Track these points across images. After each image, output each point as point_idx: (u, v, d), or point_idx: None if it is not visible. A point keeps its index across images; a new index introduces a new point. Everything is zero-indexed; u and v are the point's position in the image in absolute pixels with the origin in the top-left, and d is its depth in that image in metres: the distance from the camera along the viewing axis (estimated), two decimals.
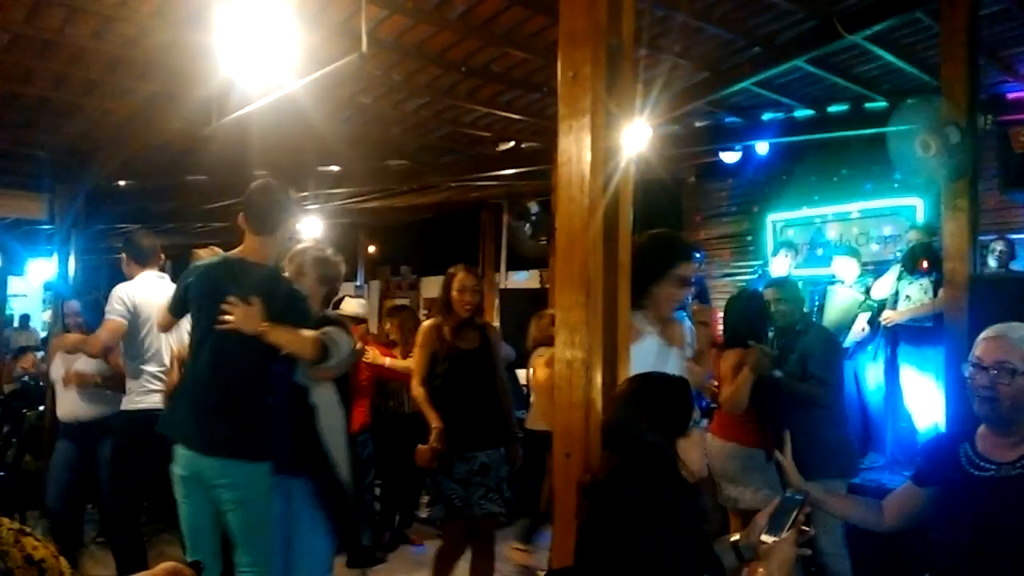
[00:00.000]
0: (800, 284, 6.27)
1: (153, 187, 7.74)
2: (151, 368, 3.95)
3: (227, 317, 2.72)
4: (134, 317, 3.91)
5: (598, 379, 2.28)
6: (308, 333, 2.79)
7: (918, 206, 6.76)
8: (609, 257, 2.34)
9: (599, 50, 2.32)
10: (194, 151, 6.15)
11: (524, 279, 9.87)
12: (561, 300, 2.37)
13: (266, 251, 2.90)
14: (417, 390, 3.70)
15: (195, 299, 2.89)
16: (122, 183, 7.55)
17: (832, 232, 7.45)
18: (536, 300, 7.93)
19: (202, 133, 4.90)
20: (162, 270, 4.26)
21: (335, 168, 7.20)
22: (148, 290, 4.00)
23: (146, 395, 3.91)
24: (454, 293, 3.73)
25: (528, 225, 6.94)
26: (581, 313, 2.30)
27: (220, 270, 2.89)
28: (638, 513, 1.76)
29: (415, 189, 8.24)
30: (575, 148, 2.33)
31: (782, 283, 4.47)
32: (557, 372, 2.35)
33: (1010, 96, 5.41)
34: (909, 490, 2.31)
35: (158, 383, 3.91)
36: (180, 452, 2.81)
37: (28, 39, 4.33)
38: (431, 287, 10.67)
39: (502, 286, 9.31)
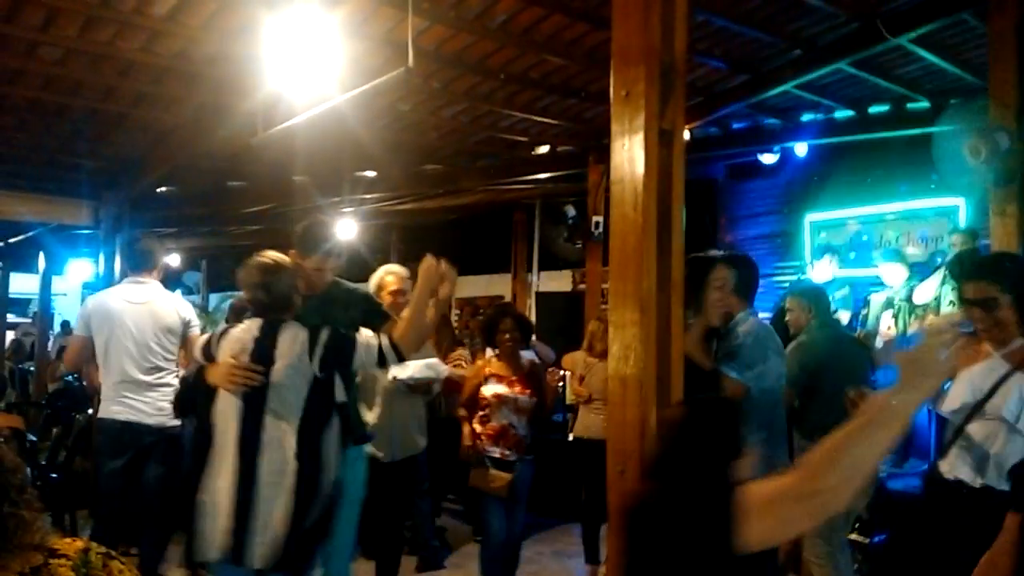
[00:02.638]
0: (838, 289, 6.27)
1: (194, 192, 7.88)
2: (111, 379, 3.88)
3: None
4: (89, 331, 3.90)
5: (652, 397, 2.30)
6: None
7: (960, 207, 6.66)
8: (663, 275, 2.36)
9: (652, 68, 2.34)
10: (238, 159, 6.25)
11: (555, 280, 9.88)
12: (615, 318, 2.39)
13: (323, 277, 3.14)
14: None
15: None
16: (165, 189, 7.69)
17: (872, 234, 7.36)
18: (572, 302, 7.94)
19: (247, 144, 4.97)
20: (180, 273, 4.37)
21: (371, 173, 7.27)
22: (111, 300, 3.96)
23: (109, 405, 3.89)
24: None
25: (564, 228, 6.95)
26: (635, 331, 2.32)
27: None
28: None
29: (449, 192, 8.28)
30: (628, 167, 2.36)
31: (796, 292, 4.55)
32: (611, 389, 2.37)
33: None
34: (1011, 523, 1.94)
35: (120, 394, 3.86)
36: None
37: (79, 53, 4.44)
38: (464, 288, 10.73)
39: (537, 289, 9.32)
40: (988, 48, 4.22)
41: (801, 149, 6.94)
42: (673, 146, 2.41)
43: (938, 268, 5.65)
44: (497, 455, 3.93)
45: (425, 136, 6.17)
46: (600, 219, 6.53)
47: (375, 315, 3.10)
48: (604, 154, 6.41)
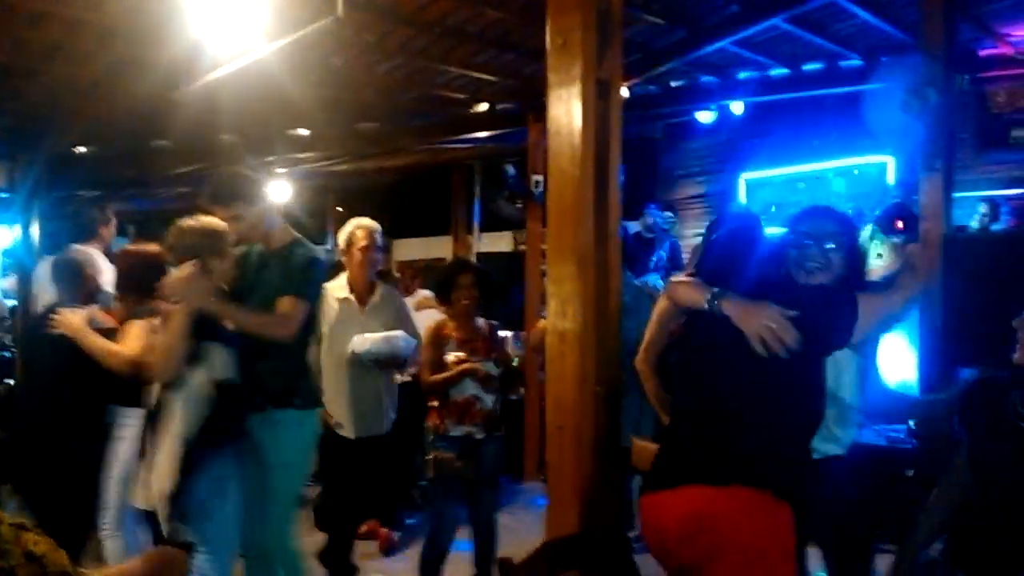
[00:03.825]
0: None
1: (116, 153, 7.51)
2: None
3: None
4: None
5: (591, 351, 2.28)
6: None
7: (888, 164, 6.82)
8: (600, 228, 2.32)
9: (589, 15, 2.28)
10: (159, 116, 5.95)
11: (496, 241, 9.81)
12: (553, 272, 2.35)
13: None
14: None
15: None
16: (84, 149, 7.31)
17: (805, 191, 7.50)
18: (513, 263, 7.90)
19: (168, 98, 4.73)
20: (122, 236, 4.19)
21: (304, 132, 7.03)
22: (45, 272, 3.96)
23: None
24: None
25: (504, 188, 6.86)
26: (573, 285, 2.29)
27: None
28: None
29: (386, 152, 8.09)
30: (566, 118, 2.31)
31: None
32: (549, 344, 2.34)
33: (982, 54, 5.44)
34: None
35: None
36: None
37: None
38: (403, 250, 10.58)
39: (478, 250, 9.24)
40: (919, 4, 4.27)
41: (737, 108, 6.98)
42: (610, 97, 2.37)
43: (867, 223, 5.78)
44: (461, 434, 3.43)
45: (359, 93, 5.97)
46: (540, 178, 6.46)
47: (304, 284, 2.86)
48: (543, 112, 6.34)
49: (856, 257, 2.16)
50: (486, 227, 9.37)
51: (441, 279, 3.67)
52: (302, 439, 3.03)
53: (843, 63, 6.05)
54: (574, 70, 2.29)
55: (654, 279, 6.31)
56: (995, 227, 5.35)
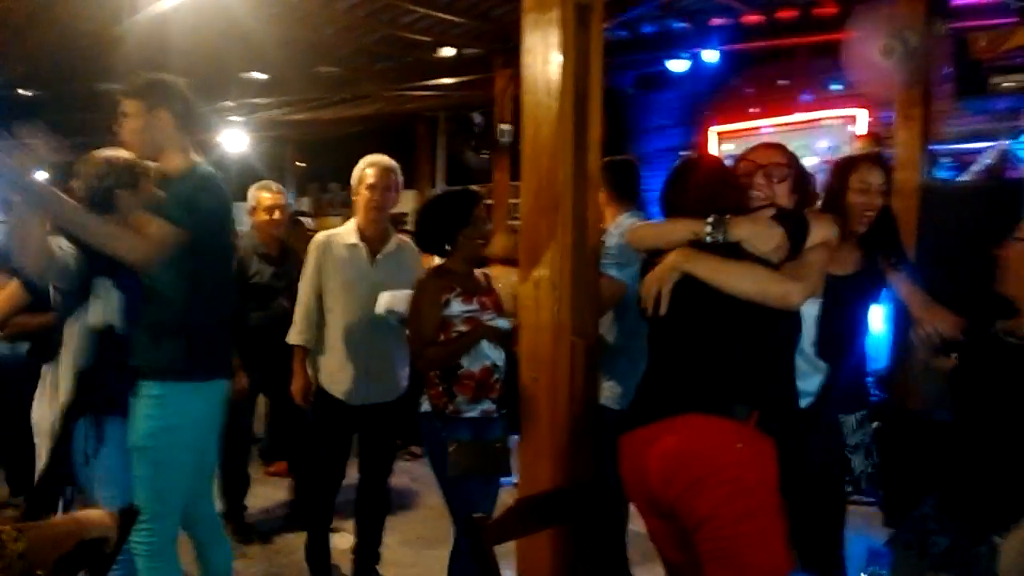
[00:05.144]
0: None
1: (62, 96, 7.09)
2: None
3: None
4: None
5: (567, 298, 2.14)
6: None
7: (858, 116, 6.74)
8: (579, 167, 2.17)
9: None
10: (104, 55, 5.59)
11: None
12: (526, 214, 2.20)
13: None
14: None
15: (219, 219, 2.50)
16: (29, 93, 6.89)
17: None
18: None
19: (111, 34, 4.42)
20: None
21: (260, 75, 6.70)
22: None
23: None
24: None
25: (470, 138, 6.65)
26: (548, 229, 2.14)
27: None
28: None
29: (347, 100, 7.79)
30: (542, 46, 2.12)
31: None
32: (522, 292, 2.20)
33: (957, 2, 5.34)
34: None
35: None
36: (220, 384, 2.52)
37: None
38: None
39: None
40: None
41: (710, 56, 6.82)
42: (591, 24, 2.19)
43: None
44: (478, 415, 2.63)
45: (318, 32, 5.67)
46: (508, 127, 6.26)
47: (182, 210, 2.31)
48: (512, 57, 6.10)
49: (804, 191, 2.18)
50: (451, 180, 9.14)
51: (449, 214, 2.75)
52: (161, 419, 2.36)
53: (817, 10, 5.91)
54: None
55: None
56: (962, 178, 5.31)
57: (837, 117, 6.89)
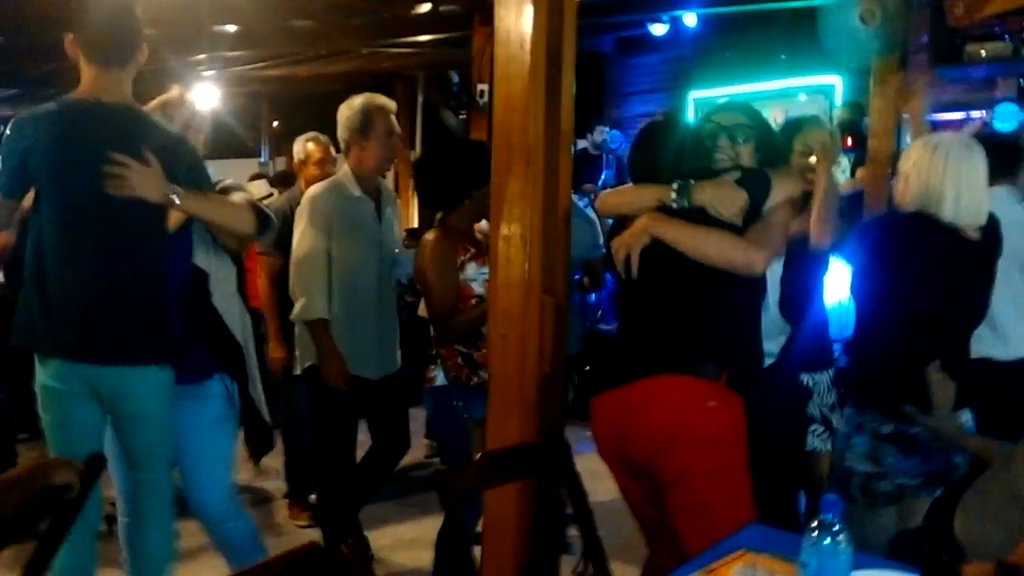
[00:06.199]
0: None
1: (27, 47, 6.87)
2: None
3: (116, 180, 2.05)
4: None
5: (538, 256, 2.14)
6: (235, 199, 2.25)
7: (836, 85, 6.75)
8: (551, 123, 2.15)
9: None
10: (69, 3, 5.43)
11: None
12: (497, 171, 2.19)
13: (122, 90, 2.20)
14: None
15: (45, 165, 2.13)
16: None
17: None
18: None
19: None
20: None
21: (231, 28, 6.53)
22: None
23: None
24: None
25: (448, 98, 6.56)
26: (519, 185, 2.14)
27: (75, 120, 2.16)
28: None
29: (323, 56, 7.64)
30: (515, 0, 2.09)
31: None
32: (493, 248, 2.20)
33: None
34: None
35: None
36: (55, 364, 2.21)
37: None
38: (340, 164, 10.16)
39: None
40: None
41: (690, 20, 6.77)
42: None
43: None
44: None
45: None
46: (485, 87, 6.18)
47: None
48: (490, 14, 6.08)
49: (768, 149, 2.17)
50: (428, 140, 9.05)
51: (466, 169, 2.59)
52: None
53: None
54: None
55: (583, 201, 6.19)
56: None
57: (816, 82, 6.91)
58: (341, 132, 2.98)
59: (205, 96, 8.57)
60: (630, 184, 2.16)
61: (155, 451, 2.31)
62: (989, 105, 5.36)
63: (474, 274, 2.55)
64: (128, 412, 2.23)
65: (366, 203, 3.00)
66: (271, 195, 5.02)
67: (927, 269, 2.12)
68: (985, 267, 2.18)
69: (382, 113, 2.98)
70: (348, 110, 2.97)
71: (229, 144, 9.93)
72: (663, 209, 1.96)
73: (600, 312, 5.78)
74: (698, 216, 1.93)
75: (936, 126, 5.30)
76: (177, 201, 2.11)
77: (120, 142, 2.11)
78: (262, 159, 11.03)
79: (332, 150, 3.76)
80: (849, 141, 4.57)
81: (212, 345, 2.45)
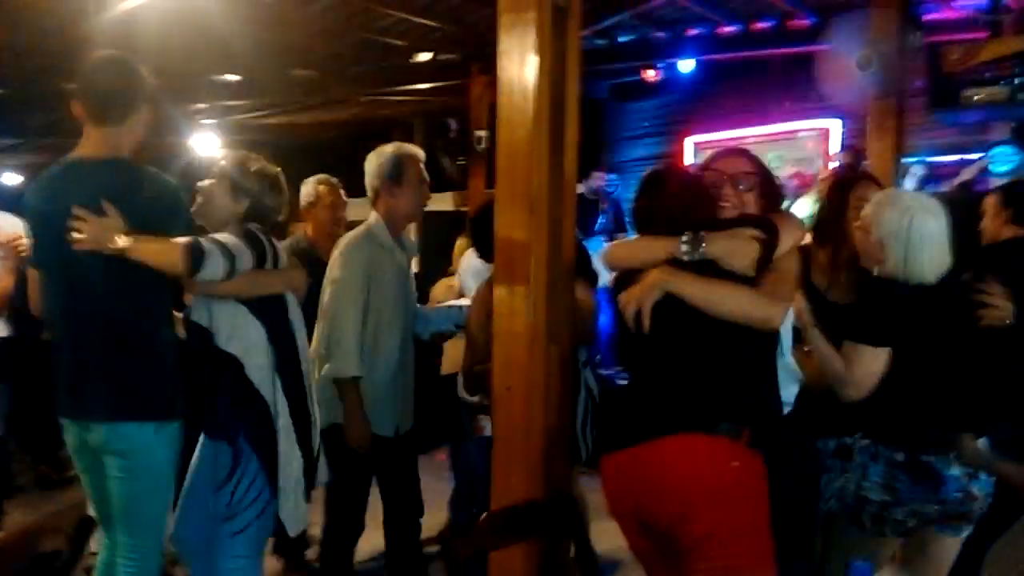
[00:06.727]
0: None
1: (28, 97, 6.93)
2: None
3: (76, 235, 2.09)
4: None
5: (543, 306, 2.09)
6: (171, 241, 2.14)
7: (833, 129, 6.80)
8: (555, 172, 2.13)
9: None
10: (70, 55, 5.47)
11: (437, 201, 9.53)
12: (501, 220, 2.15)
13: (114, 145, 2.24)
14: None
15: (30, 227, 2.29)
16: None
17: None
18: (454, 223, 7.65)
19: (77, 32, 4.31)
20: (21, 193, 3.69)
21: (232, 77, 6.60)
22: None
23: None
24: None
25: (445, 144, 6.60)
26: (523, 233, 2.09)
27: (59, 179, 2.23)
28: None
29: (322, 104, 7.70)
30: (519, 48, 2.08)
31: None
32: (496, 298, 2.15)
33: (928, 17, 5.40)
34: None
35: None
36: (63, 423, 2.28)
37: None
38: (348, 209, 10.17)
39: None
40: None
41: (686, 66, 6.84)
42: (568, 26, 2.16)
43: (813, 188, 5.73)
44: None
45: (292, 34, 5.59)
46: (484, 133, 6.23)
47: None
48: (488, 64, 6.07)
49: (771, 197, 2.14)
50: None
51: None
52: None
53: (794, 21, 5.95)
54: None
55: (595, 243, 6.18)
56: (937, 190, 5.36)
57: (812, 129, 6.97)
58: (372, 180, 2.90)
59: (205, 144, 8.63)
60: (636, 235, 2.12)
61: (135, 512, 2.22)
62: (984, 148, 5.40)
63: None
64: (110, 467, 2.21)
65: (398, 254, 2.92)
66: None
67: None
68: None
69: (414, 161, 2.93)
70: (380, 157, 2.91)
71: None
72: (672, 261, 1.91)
73: (598, 358, 5.72)
74: (709, 268, 1.88)
75: (934, 168, 5.33)
76: (123, 245, 2.10)
77: (91, 197, 2.13)
78: None
79: (343, 194, 3.69)
80: None
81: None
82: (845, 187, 2.42)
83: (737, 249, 1.90)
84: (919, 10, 5.37)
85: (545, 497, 2.06)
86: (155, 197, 2.22)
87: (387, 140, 10.19)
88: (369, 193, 2.91)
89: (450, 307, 3.08)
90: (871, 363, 2.09)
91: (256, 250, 2.27)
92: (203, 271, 2.11)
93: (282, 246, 3.41)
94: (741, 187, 2.07)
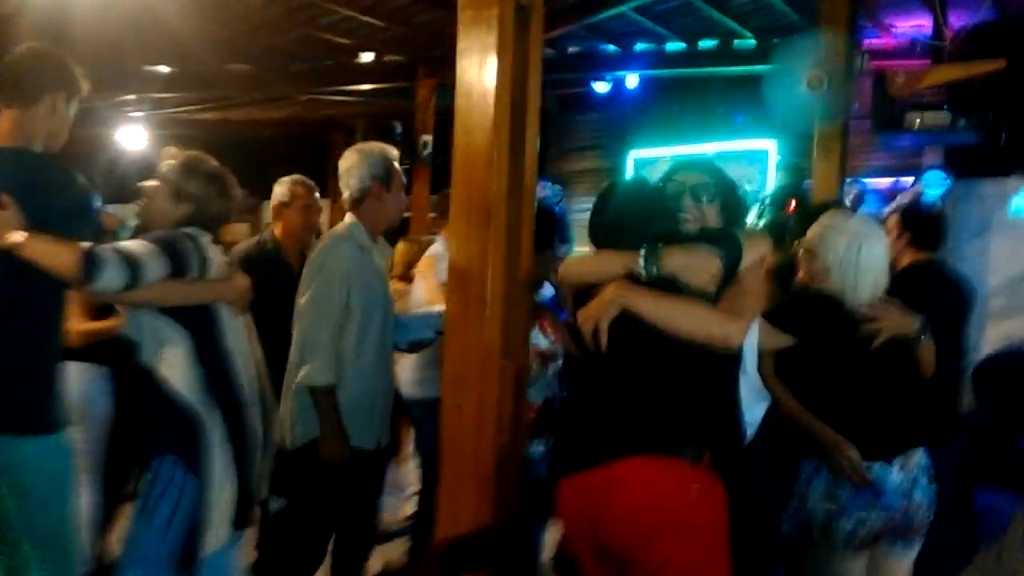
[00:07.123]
0: None
1: None
2: None
3: None
4: None
5: (498, 321, 1.98)
6: (67, 243, 1.97)
7: (770, 150, 6.92)
8: (514, 180, 2.02)
9: None
10: None
11: None
12: (456, 228, 2.04)
13: (22, 130, 2.07)
14: None
15: None
16: None
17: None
18: (397, 231, 7.47)
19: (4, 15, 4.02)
20: None
21: (164, 69, 6.29)
22: None
23: None
24: None
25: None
26: (479, 243, 1.98)
27: None
28: None
29: (260, 101, 7.43)
30: (479, 47, 1.97)
31: None
32: (449, 312, 2.03)
33: (867, 43, 5.53)
34: None
35: None
36: None
37: None
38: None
39: None
40: None
41: (632, 81, 6.86)
42: (531, 27, 2.06)
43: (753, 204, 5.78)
44: (539, 456, 2.37)
45: (230, 27, 5.35)
46: (429, 138, 6.08)
47: None
48: (435, 66, 6.02)
49: (733, 208, 2.09)
50: None
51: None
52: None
53: (738, 42, 6.03)
54: None
55: None
56: (862, 211, 5.47)
57: (752, 146, 7.07)
58: (358, 181, 2.71)
59: (132, 137, 8.24)
60: (593, 250, 2.03)
61: (35, 525, 2.04)
62: (917, 172, 5.55)
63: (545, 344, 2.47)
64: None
65: (376, 257, 2.76)
66: None
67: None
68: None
69: (397, 166, 2.83)
70: (368, 157, 2.74)
71: None
72: (631, 277, 1.83)
73: None
74: (668, 284, 1.80)
75: (868, 190, 5.44)
76: (14, 241, 1.92)
77: None
78: None
79: (318, 198, 3.54)
80: (793, 205, 4.60)
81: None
82: (812, 216, 2.45)
83: (695, 263, 1.84)
84: (864, 34, 5.51)
85: (495, 523, 1.94)
86: (61, 194, 2.06)
87: (327, 140, 9.97)
88: (349, 194, 2.73)
89: (428, 313, 2.92)
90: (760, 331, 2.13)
91: (176, 259, 2.09)
92: (97, 281, 1.94)
93: (243, 248, 3.31)
94: (703, 200, 2.00)
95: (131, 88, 6.28)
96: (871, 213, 5.32)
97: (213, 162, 2.35)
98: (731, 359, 1.87)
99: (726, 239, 1.91)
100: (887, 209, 5.02)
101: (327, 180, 8.97)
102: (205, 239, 2.23)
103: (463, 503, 1.96)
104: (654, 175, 2.17)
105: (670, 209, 2.00)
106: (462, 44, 2.00)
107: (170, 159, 2.31)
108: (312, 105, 7.54)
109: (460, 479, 1.98)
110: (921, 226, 3.20)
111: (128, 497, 2.22)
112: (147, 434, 2.11)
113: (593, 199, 2.09)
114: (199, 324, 2.14)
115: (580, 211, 8.06)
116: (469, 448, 1.97)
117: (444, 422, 2.03)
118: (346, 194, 2.75)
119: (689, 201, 2.01)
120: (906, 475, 2.20)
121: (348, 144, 9.64)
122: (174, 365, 2.09)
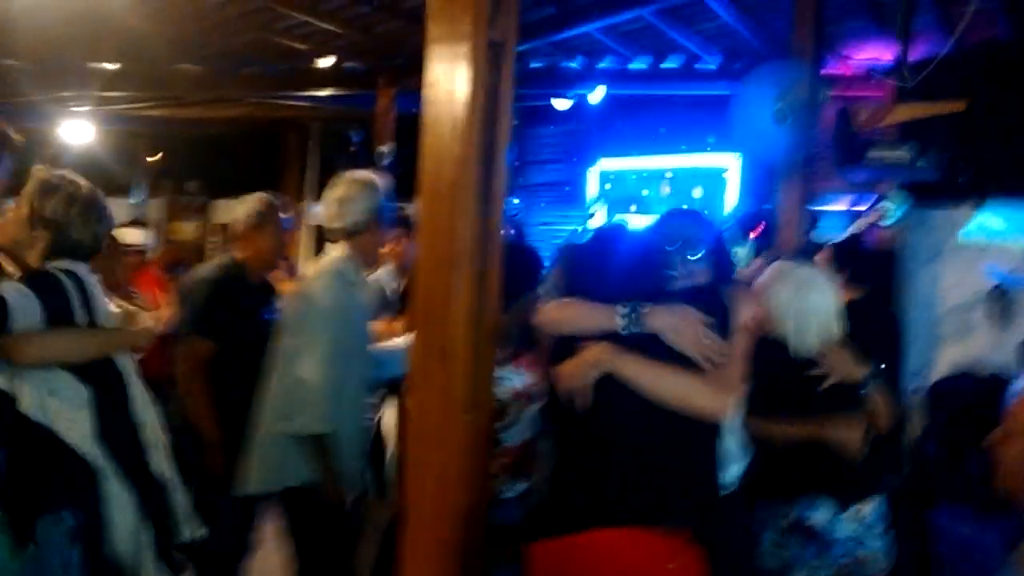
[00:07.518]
0: None
1: None
2: None
3: None
4: None
5: (468, 370, 1.87)
6: None
7: (730, 169, 6.95)
8: (484, 221, 1.91)
9: None
10: None
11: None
12: (422, 269, 1.92)
13: None
14: None
15: None
16: None
17: (652, 188, 7.53)
18: None
19: None
20: None
21: (111, 66, 6.01)
22: None
23: None
24: None
25: (346, 154, 6.26)
26: (446, 287, 1.87)
27: None
28: None
29: (208, 101, 7.17)
30: (448, 82, 1.85)
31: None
32: (412, 360, 1.91)
33: (824, 72, 5.57)
34: None
35: None
36: None
37: None
38: (223, 212, 9.54)
39: (312, 222, 8.51)
40: (793, 9, 4.20)
41: (594, 97, 6.82)
42: (503, 64, 1.97)
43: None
44: (516, 495, 2.34)
45: (181, 27, 5.13)
46: (387, 148, 5.93)
47: None
48: (396, 76, 5.87)
49: (723, 263, 2.04)
50: (322, 197, 8.66)
51: (518, 273, 2.30)
52: None
53: (700, 64, 6.03)
54: (463, 25, 1.84)
55: None
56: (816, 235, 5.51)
57: (714, 162, 7.11)
58: (356, 215, 2.58)
59: (77, 132, 7.88)
60: (573, 299, 1.93)
61: None
62: (871, 202, 5.60)
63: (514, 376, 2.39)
64: None
65: (361, 292, 2.65)
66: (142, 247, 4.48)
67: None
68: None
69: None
70: (366, 189, 2.62)
71: (98, 182, 9.11)
72: (611, 332, 1.74)
73: None
74: (652, 344, 1.72)
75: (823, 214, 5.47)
76: None
77: None
78: (134, 200, 10.23)
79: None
80: (760, 228, 4.60)
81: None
82: None
83: (678, 326, 1.75)
84: (825, 64, 5.54)
85: None
86: None
87: (281, 140, 9.68)
88: (343, 225, 2.59)
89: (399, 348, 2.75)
90: None
91: (49, 301, 1.90)
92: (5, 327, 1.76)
93: (205, 274, 2.99)
94: (691, 254, 1.92)
95: (72, 85, 5.97)
96: (825, 239, 5.36)
97: (81, 181, 2.09)
98: (712, 427, 1.79)
99: (714, 301, 1.84)
100: (839, 237, 5.07)
101: (280, 179, 8.77)
102: (82, 269, 2.03)
103: (423, 568, 1.85)
104: (598, 215, 2.10)
105: (655, 264, 1.92)
106: (430, 76, 1.88)
107: (36, 178, 2.06)
108: (266, 106, 7.32)
109: (420, 543, 1.86)
110: (854, 264, 3.22)
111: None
112: (38, 488, 1.92)
113: (554, 213, 2.01)
114: (98, 369, 1.98)
115: (540, 224, 8.03)
116: (429, 509, 1.85)
117: (404, 480, 1.91)
118: (337, 224, 2.59)
119: (676, 256, 1.94)
120: (859, 524, 2.20)
121: (302, 144, 9.44)
122: (62, 414, 1.90)
